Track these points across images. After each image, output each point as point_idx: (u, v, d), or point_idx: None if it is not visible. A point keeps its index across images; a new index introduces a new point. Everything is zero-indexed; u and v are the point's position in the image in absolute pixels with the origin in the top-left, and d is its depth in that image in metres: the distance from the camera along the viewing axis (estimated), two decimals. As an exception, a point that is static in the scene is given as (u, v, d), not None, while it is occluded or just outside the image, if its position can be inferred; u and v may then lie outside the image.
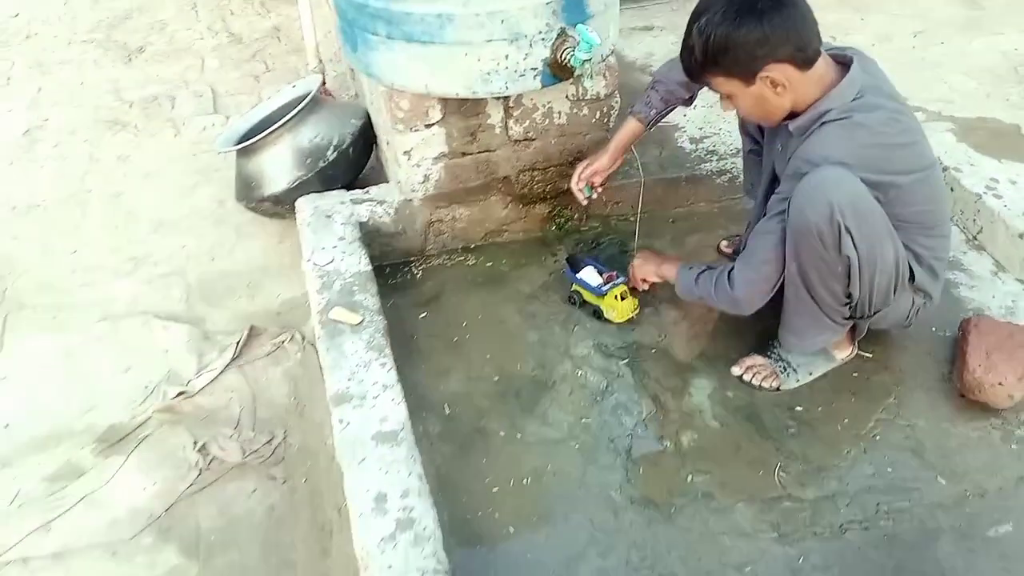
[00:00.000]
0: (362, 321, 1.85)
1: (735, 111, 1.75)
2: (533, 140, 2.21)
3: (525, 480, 1.73)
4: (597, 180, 2.09)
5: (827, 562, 1.57)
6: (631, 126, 2.05)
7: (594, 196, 2.13)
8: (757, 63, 1.57)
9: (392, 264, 2.28)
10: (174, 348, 2.08)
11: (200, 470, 1.80)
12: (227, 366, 2.02)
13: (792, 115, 1.68)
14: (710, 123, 2.64)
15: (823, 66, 1.63)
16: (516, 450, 1.80)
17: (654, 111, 2.05)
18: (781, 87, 1.60)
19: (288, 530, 1.69)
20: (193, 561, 1.64)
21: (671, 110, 2.08)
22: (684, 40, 1.64)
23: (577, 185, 2.09)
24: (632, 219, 2.27)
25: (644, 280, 2.03)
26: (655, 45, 3.18)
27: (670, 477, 1.74)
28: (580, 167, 2.08)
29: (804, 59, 1.59)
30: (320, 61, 2.76)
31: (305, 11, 2.72)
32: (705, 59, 1.60)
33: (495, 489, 1.72)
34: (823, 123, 1.62)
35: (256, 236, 2.44)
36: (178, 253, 2.40)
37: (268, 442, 1.86)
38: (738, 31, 1.54)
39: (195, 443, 1.84)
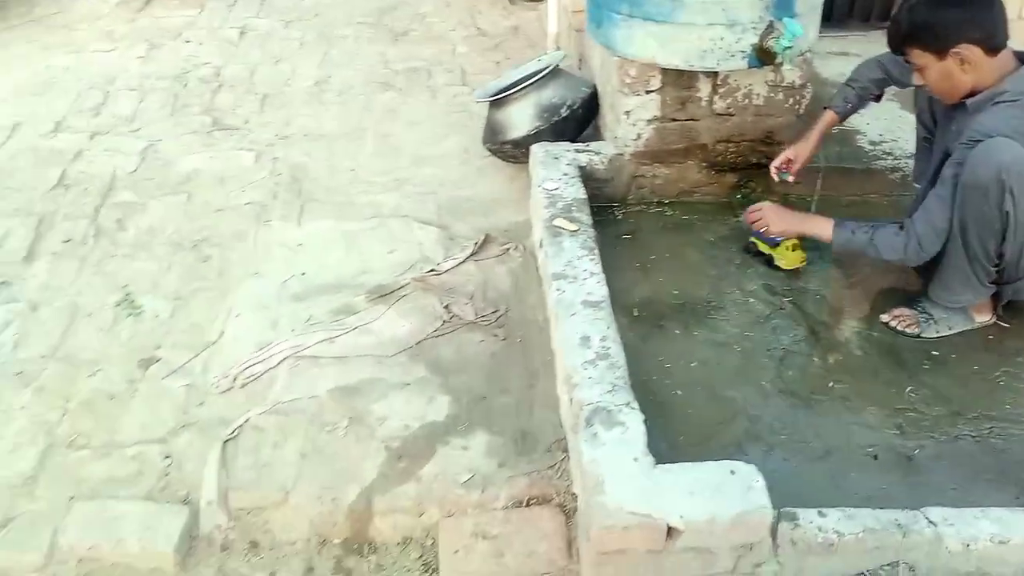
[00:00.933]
0: (578, 230, 2.36)
1: (923, 87, 2.12)
2: (732, 115, 2.66)
3: (693, 364, 2.18)
4: (795, 167, 2.50)
5: (939, 455, 1.91)
6: (828, 117, 2.47)
7: (789, 179, 2.53)
8: (951, 40, 1.95)
9: (598, 206, 2.78)
10: (427, 242, 2.68)
11: (443, 321, 2.36)
12: (467, 258, 2.59)
13: (970, 95, 2.04)
14: (890, 131, 2.98)
15: (1005, 56, 1.99)
16: (688, 344, 2.24)
17: (849, 105, 2.46)
18: (968, 65, 1.97)
19: (505, 369, 2.21)
20: (436, 375, 2.19)
21: (863, 106, 2.48)
22: (893, 16, 2.06)
23: (776, 165, 2.52)
24: (809, 199, 2.65)
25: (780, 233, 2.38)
26: (847, 67, 3.53)
27: (814, 381, 2.12)
28: (783, 154, 2.50)
29: (992, 45, 1.96)
30: (557, 47, 3.35)
31: (552, 7, 3.32)
32: (909, 31, 2.01)
33: (668, 365, 2.17)
34: (996, 102, 1.98)
35: (492, 175, 3.03)
36: (432, 179, 3.02)
37: (494, 311, 2.40)
38: (941, 10, 1.94)
39: (441, 302, 2.41)
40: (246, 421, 2.08)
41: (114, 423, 2.10)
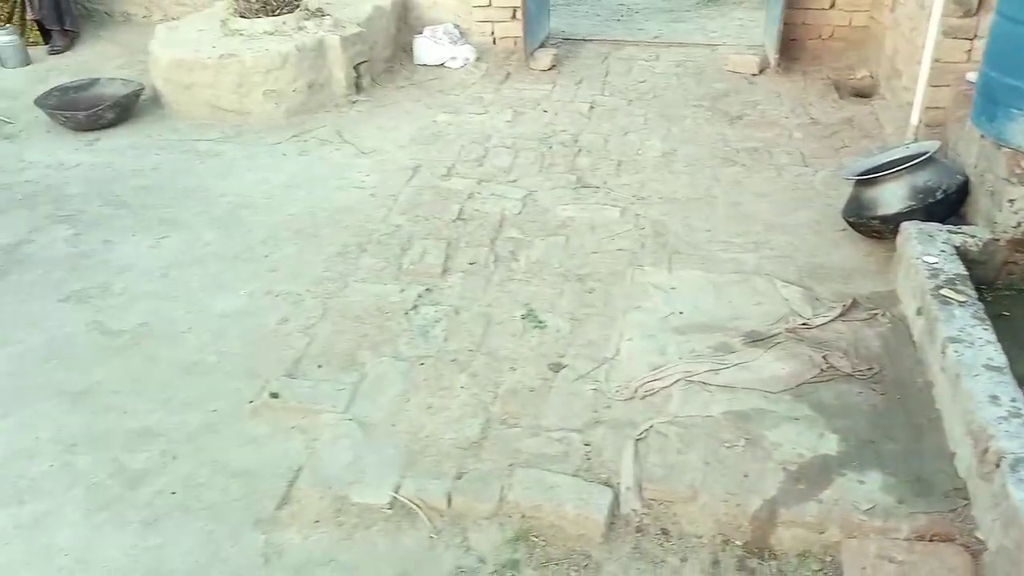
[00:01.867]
0: (966, 301, 2.48)
1: None
2: None
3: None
4: None
5: None
6: None
7: None
8: None
9: (966, 287, 2.88)
10: (792, 299, 2.91)
11: (820, 369, 2.56)
12: (836, 317, 2.78)
13: None
14: None
15: None
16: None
17: None
18: None
19: (888, 420, 2.36)
20: (821, 416, 2.38)
21: None
22: None
23: None
24: None
25: None
26: None
27: None
28: None
29: None
30: (915, 138, 3.51)
31: (917, 103, 3.51)
32: None
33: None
34: None
35: (847, 246, 3.21)
36: (787, 246, 3.26)
37: (869, 368, 2.55)
38: None
39: (818, 353, 2.61)
40: (651, 426, 2.37)
41: (537, 410, 2.48)
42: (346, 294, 3.08)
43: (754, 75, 5.12)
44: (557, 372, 2.64)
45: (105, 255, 3.36)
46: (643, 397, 2.50)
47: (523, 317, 2.91)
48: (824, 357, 2.59)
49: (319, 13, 4.91)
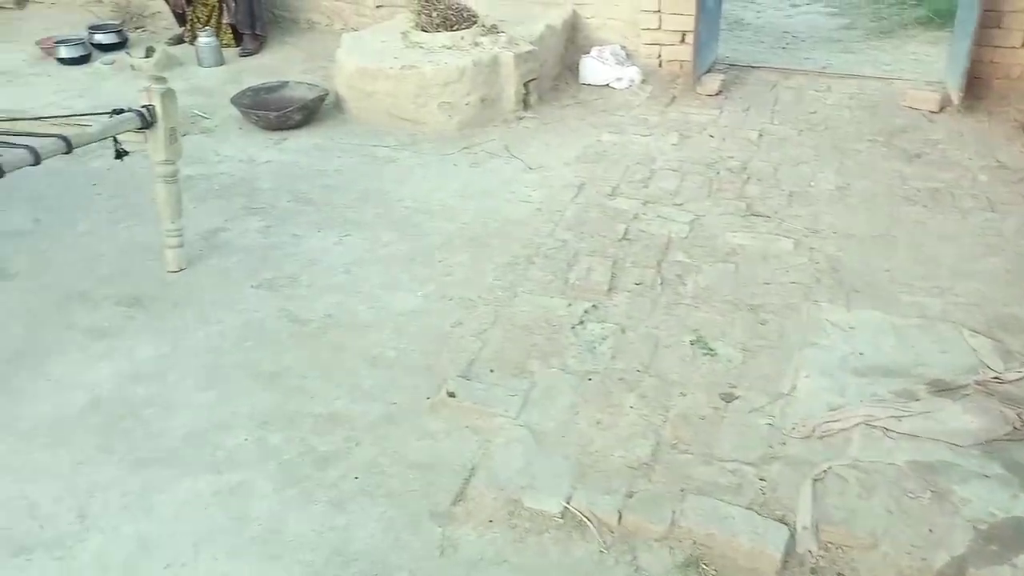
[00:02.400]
0: None
1: None
2: None
3: None
4: None
5: None
6: None
7: None
8: None
9: None
10: (981, 350, 2.78)
11: (1014, 427, 2.43)
12: (1030, 374, 2.64)
13: None
14: None
15: None
16: None
17: None
18: None
19: (1093, 489, 2.21)
20: (1015, 476, 2.27)
21: None
22: None
23: None
24: None
25: None
26: None
27: None
28: None
29: None
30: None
31: None
32: None
33: None
34: None
35: (1042, 301, 3.05)
36: (975, 293, 3.11)
37: (1072, 431, 2.41)
38: None
39: (1012, 410, 2.48)
40: (829, 468, 2.32)
41: (709, 439, 2.48)
42: (515, 303, 3.16)
43: (934, 112, 4.91)
44: (729, 402, 2.62)
45: (293, 248, 3.59)
46: (821, 437, 2.44)
47: (692, 343, 2.90)
48: (1019, 415, 2.46)
49: (494, 30, 5.07)
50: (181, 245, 3.37)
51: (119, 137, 3.09)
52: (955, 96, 4.95)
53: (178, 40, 6.33)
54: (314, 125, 4.86)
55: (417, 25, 5.07)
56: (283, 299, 3.23)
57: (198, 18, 6.25)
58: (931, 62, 6.49)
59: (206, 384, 2.78)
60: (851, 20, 8.00)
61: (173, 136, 3.15)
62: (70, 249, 3.58)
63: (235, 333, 3.03)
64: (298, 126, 4.77)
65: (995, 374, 2.64)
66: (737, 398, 2.63)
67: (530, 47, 5.02)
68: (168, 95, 3.08)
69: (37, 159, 2.78)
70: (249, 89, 4.95)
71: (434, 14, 5.00)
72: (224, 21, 6.13)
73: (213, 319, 3.10)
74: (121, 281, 3.34)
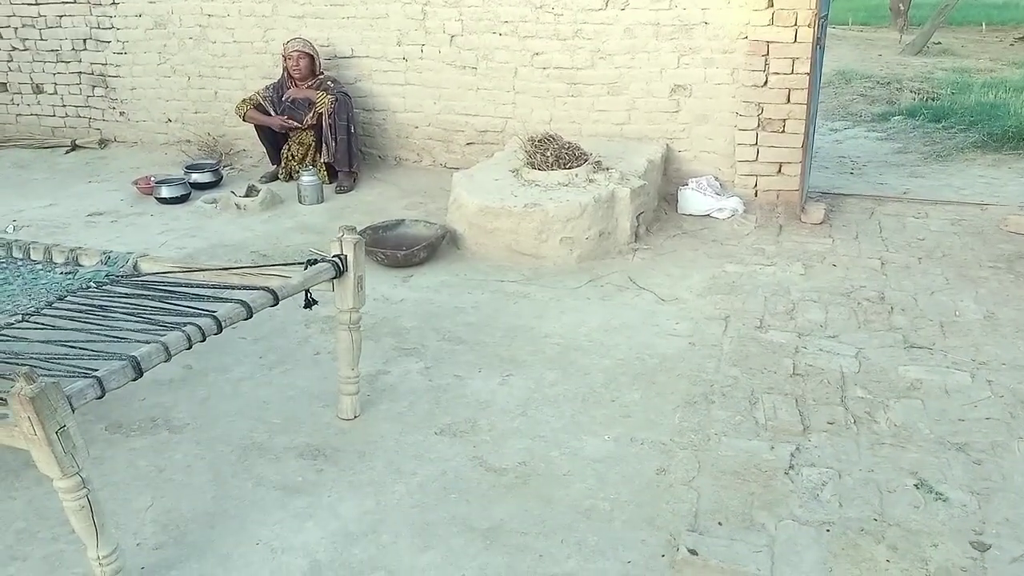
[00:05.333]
0: None
1: None
2: None
3: None
4: None
5: None
6: None
7: None
8: None
9: None
10: None
11: None
12: None
13: None
14: None
15: None
16: None
17: None
18: None
19: None
20: None
21: None
22: None
23: None
24: None
25: None
26: None
27: None
28: None
29: None
30: None
31: None
32: None
33: None
34: None
35: None
36: None
37: None
38: None
39: None
40: None
41: (984, 595, 2.35)
42: (713, 447, 3.08)
43: (1041, 237, 5.00)
44: (984, 552, 2.51)
45: (460, 390, 3.52)
46: (1102, 591, 2.33)
47: (917, 487, 2.81)
48: None
49: (603, 167, 5.19)
50: (357, 392, 3.31)
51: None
52: (1059, 220, 5.05)
53: (272, 177, 6.47)
54: (434, 262, 4.88)
55: (530, 164, 5.20)
56: (470, 446, 3.14)
57: (293, 156, 6.42)
58: (1000, 185, 6.67)
59: (423, 544, 2.65)
60: (903, 144, 8.28)
61: (360, 284, 3.15)
62: (231, 397, 3.50)
63: (434, 485, 2.92)
64: (422, 263, 4.80)
65: None
66: (989, 546, 2.53)
67: (641, 182, 5.13)
68: (359, 245, 3.09)
69: (250, 313, 2.76)
70: (368, 228, 5.01)
71: (548, 153, 5.13)
72: (321, 160, 6.28)
73: (407, 470, 3.00)
74: (295, 431, 3.25)
